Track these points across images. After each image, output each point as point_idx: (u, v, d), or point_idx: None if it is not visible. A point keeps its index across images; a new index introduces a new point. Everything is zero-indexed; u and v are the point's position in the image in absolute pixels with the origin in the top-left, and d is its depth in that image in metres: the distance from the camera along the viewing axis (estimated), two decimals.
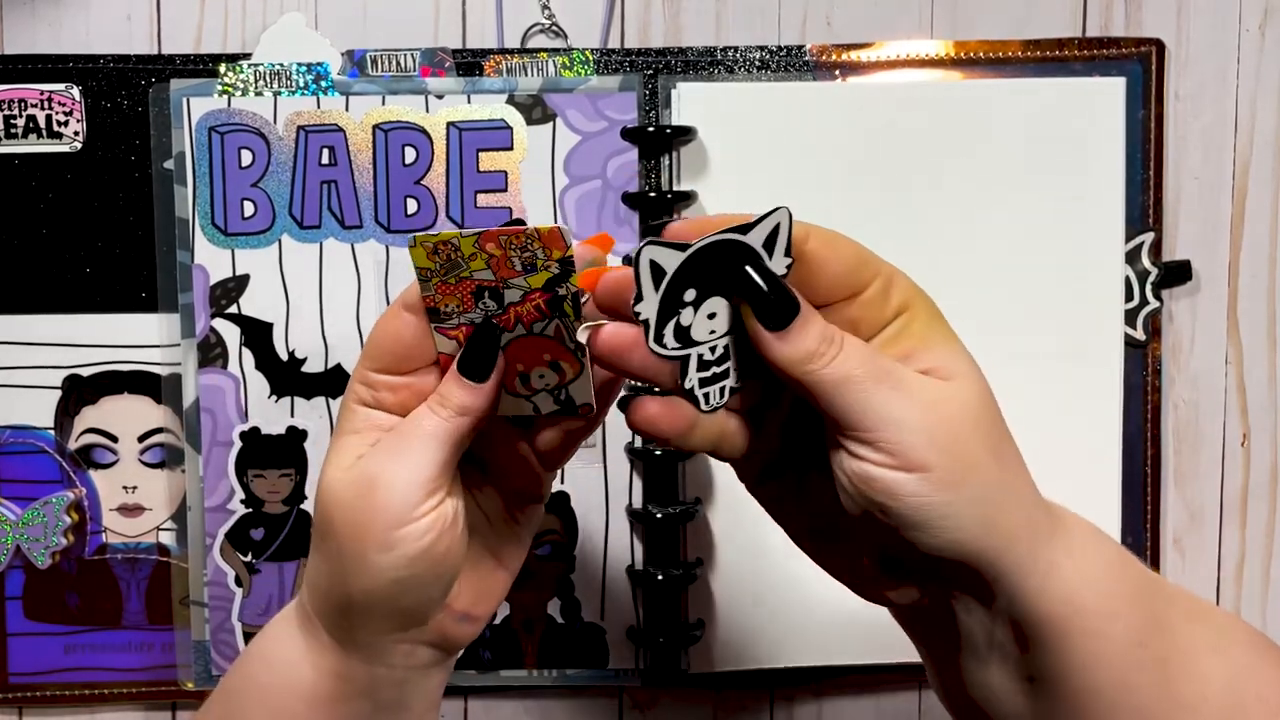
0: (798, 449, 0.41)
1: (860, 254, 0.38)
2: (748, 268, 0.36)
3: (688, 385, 0.37)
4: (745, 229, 0.36)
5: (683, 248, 0.35)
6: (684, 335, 0.36)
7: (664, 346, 0.36)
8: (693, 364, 0.37)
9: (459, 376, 0.40)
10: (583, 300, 0.40)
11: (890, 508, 0.36)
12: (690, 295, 0.36)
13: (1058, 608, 0.38)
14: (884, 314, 0.38)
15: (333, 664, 0.44)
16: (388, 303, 0.59)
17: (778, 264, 0.37)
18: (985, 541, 0.37)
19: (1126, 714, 0.40)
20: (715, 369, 0.38)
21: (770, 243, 0.36)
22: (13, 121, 0.59)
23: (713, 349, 0.37)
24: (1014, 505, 0.38)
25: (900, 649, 0.62)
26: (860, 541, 0.41)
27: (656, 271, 0.35)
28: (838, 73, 0.60)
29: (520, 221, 0.39)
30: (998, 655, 0.40)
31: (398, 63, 0.60)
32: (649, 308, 0.35)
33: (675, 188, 0.60)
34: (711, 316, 0.37)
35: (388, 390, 0.41)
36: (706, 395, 0.38)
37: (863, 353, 0.37)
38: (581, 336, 0.39)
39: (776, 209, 0.36)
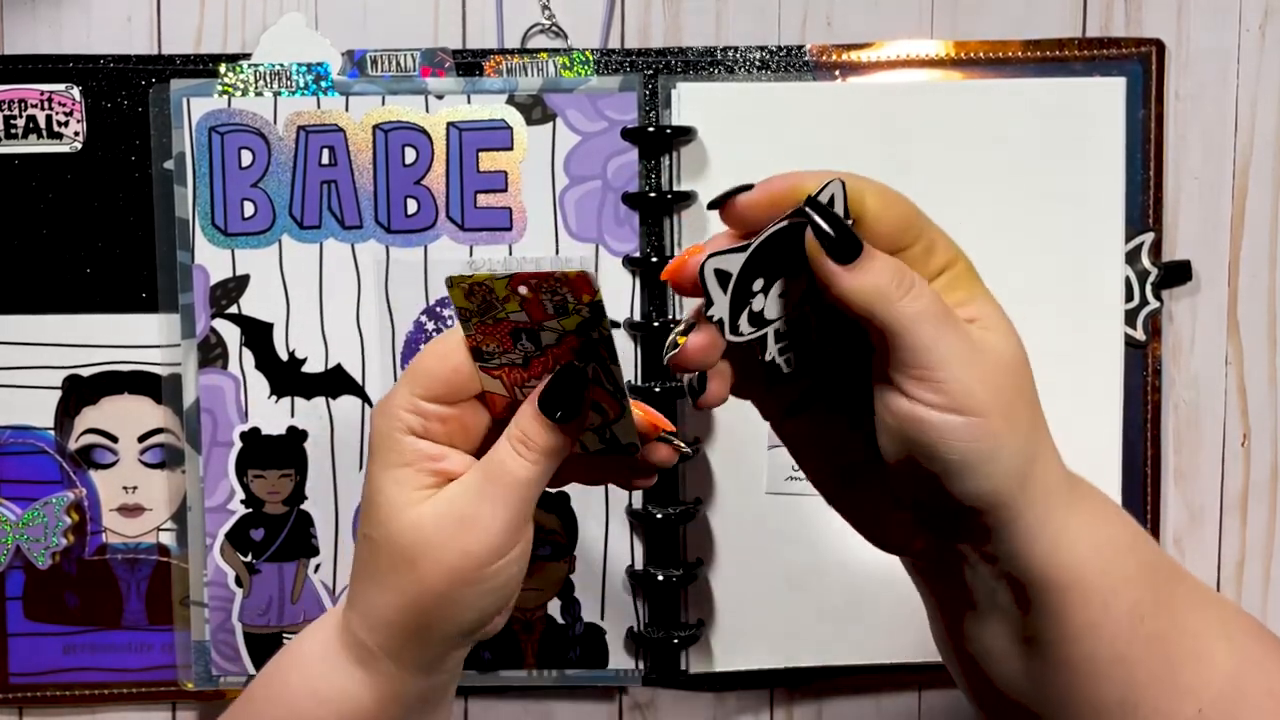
0: (825, 388, 0.41)
1: (911, 211, 0.39)
2: (809, 210, 0.36)
3: (768, 358, 0.39)
4: (800, 212, 0.37)
5: (743, 248, 0.37)
6: (758, 318, 0.38)
7: (740, 334, 0.38)
8: (770, 339, 0.39)
9: (543, 419, 0.41)
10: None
11: (937, 451, 0.36)
12: (759, 284, 0.38)
13: (1061, 573, 0.39)
14: (929, 269, 0.38)
15: (394, 689, 0.44)
16: (387, 303, 0.59)
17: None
18: (1014, 496, 0.37)
19: (1119, 687, 0.40)
20: (791, 338, 0.40)
21: (828, 211, 0.37)
22: (13, 122, 0.59)
23: (786, 320, 0.39)
24: (1043, 465, 0.38)
25: (900, 649, 0.63)
26: (880, 488, 0.41)
27: (722, 276, 0.37)
28: (838, 73, 0.60)
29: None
30: (998, 614, 0.40)
31: (398, 63, 0.60)
32: (720, 309, 0.37)
33: (675, 188, 0.60)
34: (783, 295, 0.39)
35: (437, 420, 0.41)
36: (787, 360, 0.40)
37: (933, 293, 0.37)
38: (666, 359, 0.40)
39: (830, 181, 0.37)
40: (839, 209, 0.37)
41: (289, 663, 0.46)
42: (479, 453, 0.43)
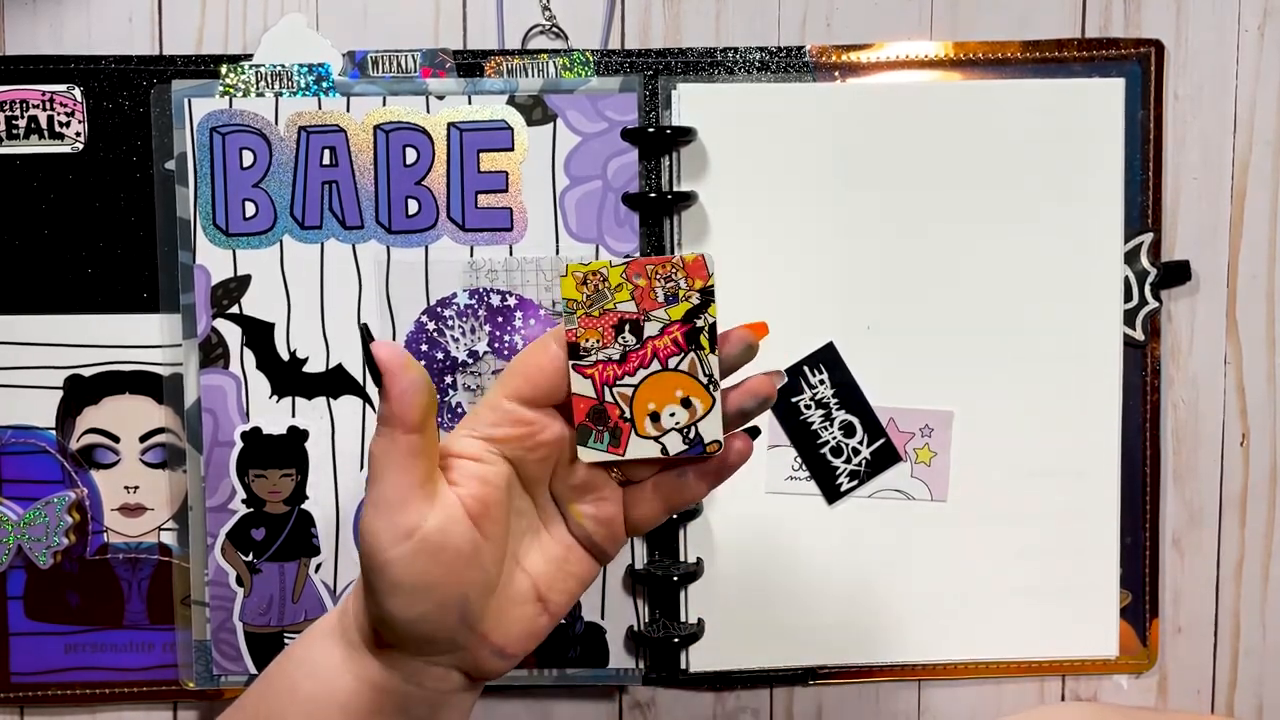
0: None
1: None
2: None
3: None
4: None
5: None
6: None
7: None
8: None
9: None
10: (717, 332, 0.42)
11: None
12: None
13: None
14: None
15: (371, 676, 0.44)
16: (388, 303, 0.60)
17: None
18: None
19: None
20: None
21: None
22: (14, 122, 0.60)
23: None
24: None
25: (900, 648, 0.63)
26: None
27: None
28: (837, 73, 0.60)
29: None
30: None
31: (398, 64, 0.60)
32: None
33: (675, 188, 0.60)
34: None
35: (511, 424, 0.42)
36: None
37: None
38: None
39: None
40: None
41: (297, 640, 0.47)
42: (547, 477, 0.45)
